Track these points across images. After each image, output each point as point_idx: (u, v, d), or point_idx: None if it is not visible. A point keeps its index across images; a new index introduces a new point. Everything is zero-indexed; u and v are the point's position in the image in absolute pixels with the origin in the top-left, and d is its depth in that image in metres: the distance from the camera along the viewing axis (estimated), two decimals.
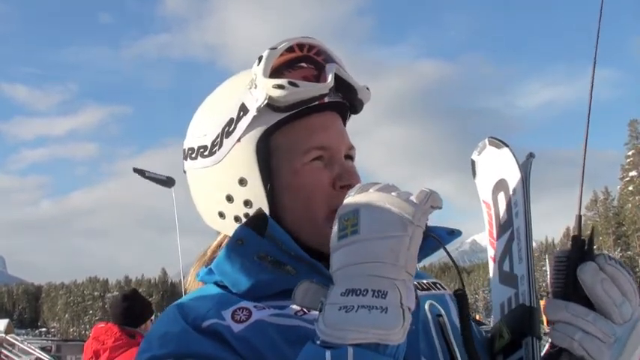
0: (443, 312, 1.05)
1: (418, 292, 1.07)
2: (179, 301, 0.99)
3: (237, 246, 0.96)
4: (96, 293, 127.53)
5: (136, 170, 8.46)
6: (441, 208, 0.83)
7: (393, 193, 0.83)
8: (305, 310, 0.91)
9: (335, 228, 0.83)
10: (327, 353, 0.74)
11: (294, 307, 0.93)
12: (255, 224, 0.97)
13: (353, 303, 0.75)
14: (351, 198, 0.85)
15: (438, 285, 1.15)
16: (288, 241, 0.96)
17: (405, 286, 0.77)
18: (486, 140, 1.21)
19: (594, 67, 1.07)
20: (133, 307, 4.72)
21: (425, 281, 1.14)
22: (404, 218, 0.79)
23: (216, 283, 1.00)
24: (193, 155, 1.08)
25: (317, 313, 0.79)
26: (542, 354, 1.02)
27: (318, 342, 0.76)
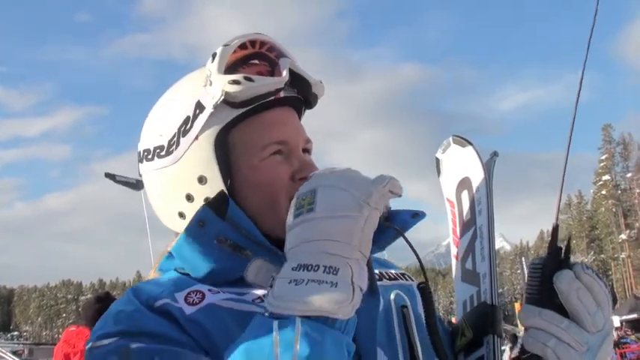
0: (408, 303, 1.05)
1: (385, 281, 1.08)
2: (135, 284, 0.99)
3: (197, 228, 0.95)
4: (69, 296, 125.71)
5: (107, 175, 8.44)
6: (400, 195, 0.83)
7: (352, 176, 0.84)
8: (263, 297, 0.90)
9: (292, 208, 0.84)
10: (275, 323, 0.74)
11: (254, 293, 0.93)
12: (216, 206, 0.96)
13: (303, 277, 0.76)
14: (311, 179, 0.86)
15: (406, 276, 1.14)
16: (248, 224, 0.96)
17: (358, 265, 0.78)
18: (451, 138, 1.22)
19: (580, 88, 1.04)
20: (105, 309, 4.64)
21: (393, 271, 1.14)
22: (360, 200, 0.80)
23: (177, 270, 1.00)
24: (149, 157, 1.06)
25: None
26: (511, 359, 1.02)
27: (267, 314, 0.76)
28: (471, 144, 1.17)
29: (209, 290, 0.93)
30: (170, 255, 1.00)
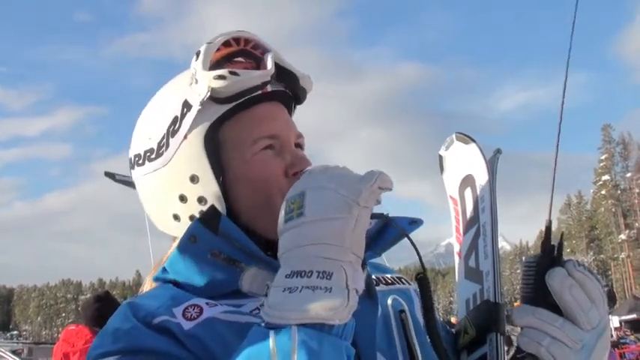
0: (406, 307, 1.04)
1: (382, 286, 1.07)
2: (131, 298, 0.96)
3: (189, 243, 0.94)
4: (69, 296, 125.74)
5: (107, 174, 8.41)
6: (390, 189, 0.81)
7: (340, 175, 0.82)
8: (260, 307, 0.89)
9: (282, 211, 0.82)
10: (271, 333, 0.73)
11: (251, 304, 0.92)
12: (207, 220, 0.94)
13: (297, 284, 0.75)
14: (299, 181, 0.84)
15: (402, 280, 1.14)
16: (242, 237, 0.94)
17: (352, 268, 0.77)
18: (454, 135, 1.21)
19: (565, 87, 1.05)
20: (105, 308, 4.65)
21: (389, 275, 1.12)
22: (349, 199, 0.78)
23: (172, 282, 0.98)
24: (140, 161, 1.05)
25: None
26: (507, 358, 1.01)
27: (263, 324, 0.75)
28: (474, 141, 1.17)
29: (207, 304, 0.91)
30: (165, 270, 0.98)
